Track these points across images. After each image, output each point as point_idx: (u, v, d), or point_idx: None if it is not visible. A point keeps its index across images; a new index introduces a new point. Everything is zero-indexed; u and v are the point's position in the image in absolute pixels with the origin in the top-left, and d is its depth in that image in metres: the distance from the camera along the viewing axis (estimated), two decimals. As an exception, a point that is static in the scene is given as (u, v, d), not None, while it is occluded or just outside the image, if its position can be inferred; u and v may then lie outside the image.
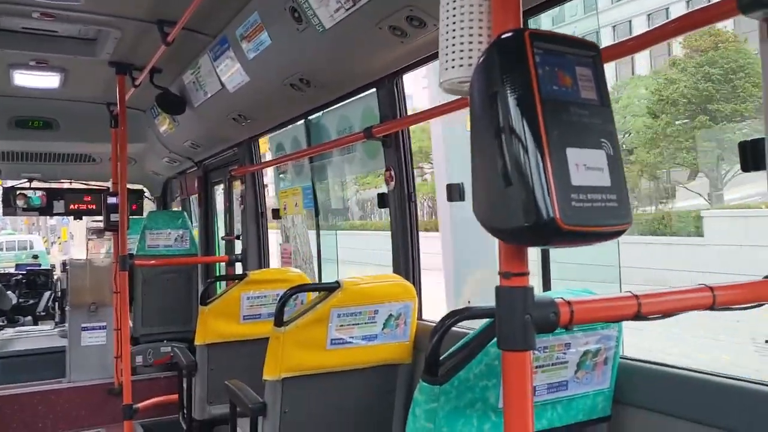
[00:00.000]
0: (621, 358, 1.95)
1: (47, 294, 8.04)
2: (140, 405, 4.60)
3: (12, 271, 9.14)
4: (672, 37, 1.80)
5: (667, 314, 1.35)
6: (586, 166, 1.06)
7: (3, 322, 7.15)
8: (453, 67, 1.25)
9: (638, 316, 1.28)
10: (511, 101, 1.06)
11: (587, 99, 1.11)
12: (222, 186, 6.01)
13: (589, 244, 1.10)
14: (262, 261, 5.03)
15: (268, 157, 5.18)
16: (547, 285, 2.40)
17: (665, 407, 1.87)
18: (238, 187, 5.37)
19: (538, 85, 1.05)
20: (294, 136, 4.52)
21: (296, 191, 4.43)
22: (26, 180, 7.01)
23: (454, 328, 1.77)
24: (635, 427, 1.95)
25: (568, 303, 1.19)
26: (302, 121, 4.23)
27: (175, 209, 7.25)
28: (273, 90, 3.62)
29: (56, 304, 7.67)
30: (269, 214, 4.89)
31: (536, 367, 1.76)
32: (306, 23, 2.82)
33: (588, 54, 1.14)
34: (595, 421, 1.94)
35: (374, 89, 3.26)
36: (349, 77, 3.25)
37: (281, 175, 4.84)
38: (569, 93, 1.09)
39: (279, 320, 2.62)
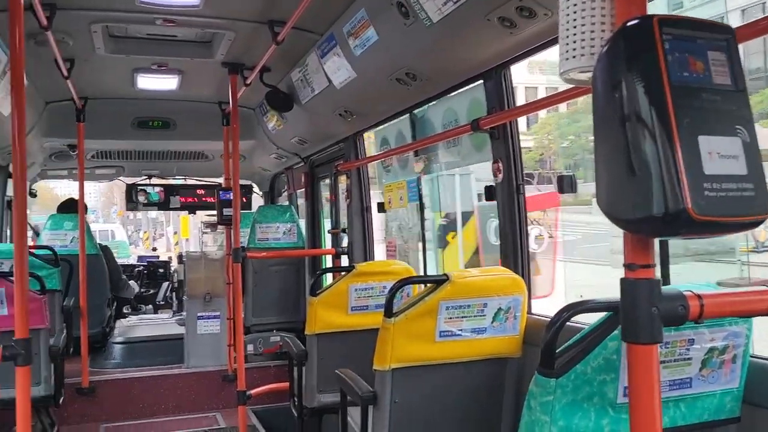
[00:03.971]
0: (751, 356, 1.86)
1: (165, 284, 8.52)
2: (253, 392, 4.80)
3: (134, 262, 9.76)
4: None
5: (806, 310, 1.28)
6: (720, 154, 1.03)
7: (127, 310, 7.64)
8: (574, 56, 1.23)
9: (774, 311, 1.22)
10: (639, 89, 1.03)
11: (720, 84, 1.07)
12: (327, 180, 6.15)
13: (721, 235, 1.06)
14: (367, 253, 5.12)
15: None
16: (666, 279, 2.31)
17: None
18: (343, 182, 5.49)
19: (667, 72, 1.02)
20: (399, 130, 4.57)
21: (401, 185, 4.48)
22: (146, 177, 7.46)
23: (566, 323, 1.75)
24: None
25: (698, 296, 1.15)
26: (407, 115, 4.26)
27: (282, 204, 7.49)
28: (379, 85, 3.67)
29: (173, 294, 8.13)
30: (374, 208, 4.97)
31: (657, 363, 1.71)
32: (413, 18, 2.85)
33: (721, 37, 1.10)
34: (723, 421, 1.85)
35: (481, 81, 3.24)
36: (456, 70, 3.25)
37: (386, 168, 4.90)
38: (701, 79, 1.05)
39: (389, 311, 2.66)
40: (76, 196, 6.00)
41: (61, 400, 4.00)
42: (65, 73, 4.22)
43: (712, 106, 1.05)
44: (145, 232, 33.13)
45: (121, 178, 7.63)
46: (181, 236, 22.94)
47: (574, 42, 1.23)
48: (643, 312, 1.12)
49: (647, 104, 1.03)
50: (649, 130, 1.02)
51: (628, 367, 1.15)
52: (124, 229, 30.11)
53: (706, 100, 1.05)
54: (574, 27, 1.23)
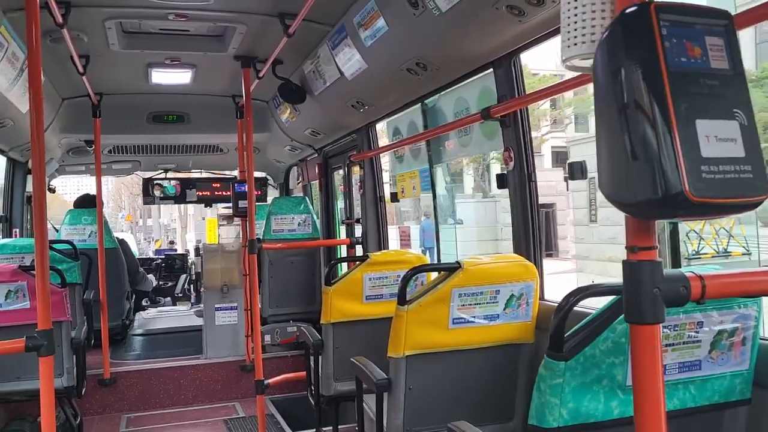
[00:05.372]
0: (761, 339, 1.87)
1: (183, 277, 8.63)
2: (270, 381, 4.86)
3: (152, 255, 9.88)
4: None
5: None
6: (718, 137, 1.05)
7: (146, 302, 7.75)
8: (575, 44, 1.25)
9: (777, 292, 1.24)
10: (637, 75, 1.06)
11: (718, 69, 1.09)
12: (341, 171, 6.19)
13: (720, 216, 1.08)
14: (382, 243, 5.15)
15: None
16: (676, 263, 2.33)
17: None
18: (356, 172, 5.52)
19: (665, 58, 1.04)
20: (411, 120, 4.58)
21: (413, 174, 4.50)
22: (162, 171, 7.54)
23: (576, 308, 1.77)
24: None
25: (700, 277, 1.17)
26: (419, 105, 4.27)
27: (297, 195, 7.54)
28: (390, 75, 3.69)
29: (191, 286, 8.22)
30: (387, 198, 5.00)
31: (666, 346, 1.73)
32: (422, 7, 2.86)
33: (719, 23, 1.11)
34: (733, 404, 1.86)
35: (491, 70, 3.25)
36: (466, 59, 3.26)
37: (398, 158, 4.92)
38: (698, 64, 1.07)
39: (402, 299, 2.69)
40: (91, 192, 6.08)
41: (83, 391, 4.08)
42: (81, 69, 4.28)
43: (709, 90, 1.07)
44: (157, 241, 30.80)
45: (137, 172, 7.71)
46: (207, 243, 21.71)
47: (575, 29, 1.25)
48: (646, 293, 1.14)
49: (646, 90, 1.05)
50: (648, 116, 1.05)
51: (631, 347, 1.17)
52: (134, 236, 28.40)
53: (704, 84, 1.06)
54: (575, 14, 1.25)
